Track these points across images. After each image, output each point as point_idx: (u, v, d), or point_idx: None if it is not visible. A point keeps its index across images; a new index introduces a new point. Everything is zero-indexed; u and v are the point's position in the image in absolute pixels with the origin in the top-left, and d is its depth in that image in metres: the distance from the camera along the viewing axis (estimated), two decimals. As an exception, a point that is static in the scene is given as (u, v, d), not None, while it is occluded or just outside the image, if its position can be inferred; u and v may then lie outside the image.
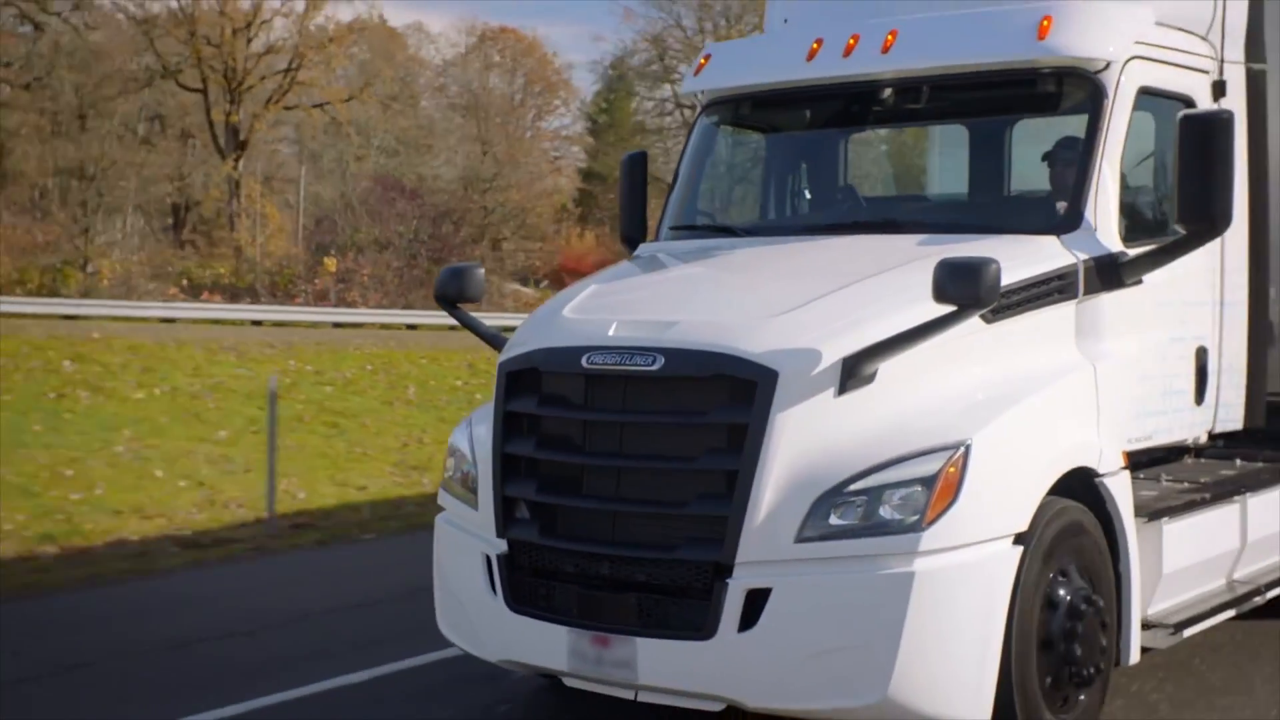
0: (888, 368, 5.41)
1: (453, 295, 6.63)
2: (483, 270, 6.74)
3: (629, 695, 5.65)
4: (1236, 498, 7.12)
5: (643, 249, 7.18)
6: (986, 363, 5.71)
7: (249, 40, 54.27)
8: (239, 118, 54.05)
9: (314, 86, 55.66)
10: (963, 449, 5.22)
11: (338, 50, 56.04)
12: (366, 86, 57.55)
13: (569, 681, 5.83)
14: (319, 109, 56.11)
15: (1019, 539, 5.36)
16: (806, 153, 7.53)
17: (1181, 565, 6.57)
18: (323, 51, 54.93)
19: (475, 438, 6.19)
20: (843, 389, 5.35)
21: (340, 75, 57.43)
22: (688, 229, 7.25)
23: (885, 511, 5.19)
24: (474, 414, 6.49)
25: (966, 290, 5.27)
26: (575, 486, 5.77)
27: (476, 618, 6.03)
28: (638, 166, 7.80)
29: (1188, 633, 6.51)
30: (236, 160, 54.15)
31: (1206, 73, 6.91)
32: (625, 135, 61.85)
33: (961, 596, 5.21)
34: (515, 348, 6.03)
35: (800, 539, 5.21)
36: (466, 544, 6.10)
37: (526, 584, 5.81)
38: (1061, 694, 5.64)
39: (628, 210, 7.69)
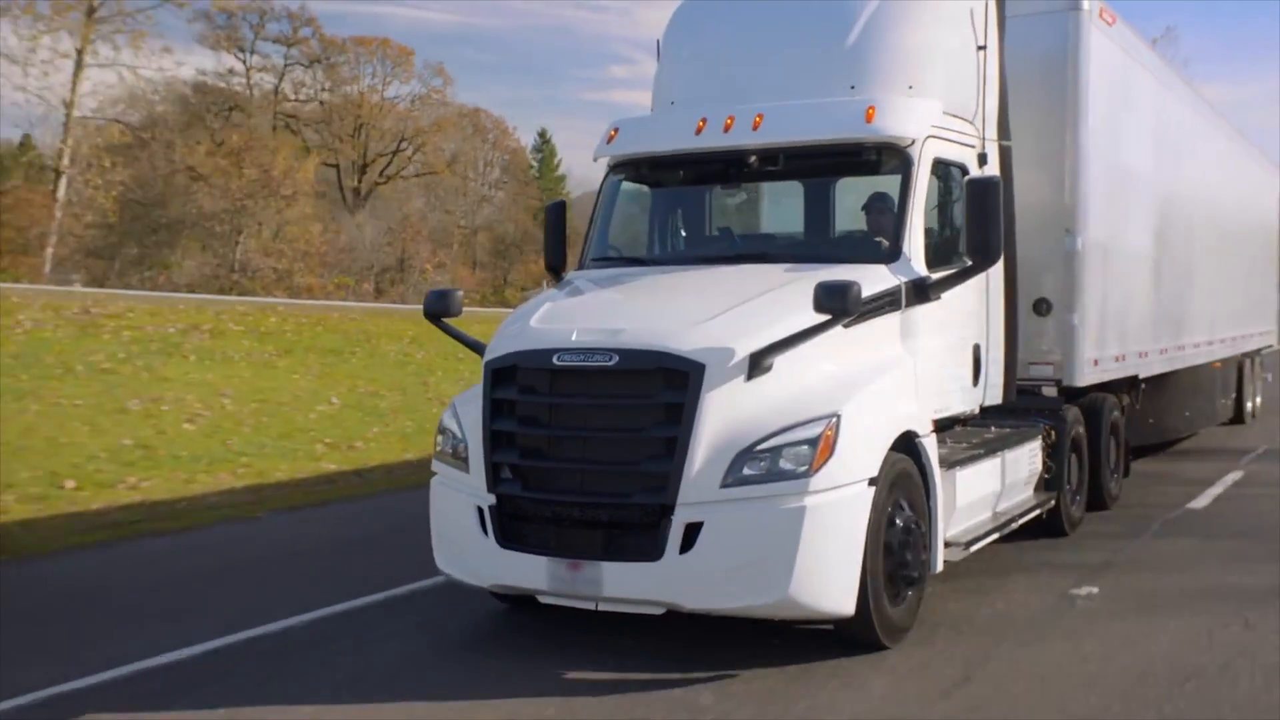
0: (781, 360, 6.04)
1: (439, 312, 7.01)
2: (461, 292, 7.17)
3: (591, 606, 6.12)
4: (999, 453, 8.04)
5: (573, 275, 7.51)
6: (846, 356, 6.33)
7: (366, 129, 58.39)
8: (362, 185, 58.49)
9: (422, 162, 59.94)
10: (836, 418, 5.88)
11: (442, 136, 59.92)
12: (455, 160, 61.75)
13: (543, 598, 6.26)
14: (420, 177, 59.96)
15: (871, 482, 6.03)
16: (693, 202, 7.97)
17: (967, 501, 7.42)
18: (433, 136, 59.13)
19: (462, 418, 6.56)
20: (750, 376, 5.96)
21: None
22: (606, 260, 7.66)
23: (783, 464, 5.80)
24: (455, 401, 6.83)
25: (838, 304, 5.98)
26: (549, 453, 6.22)
27: (471, 554, 6.41)
28: (559, 212, 8.17)
29: (973, 549, 7.33)
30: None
31: (974, 147, 7.64)
32: (551, 184, 68.68)
33: (837, 522, 5.87)
34: (496, 350, 6.42)
35: (723, 485, 5.79)
36: (460, 500, 6.45)
37: (512, 527, 6.23)
38: (896, 590, 6.33)
39: (551, 246, 8.05)
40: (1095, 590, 7.55)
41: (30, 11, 38.94)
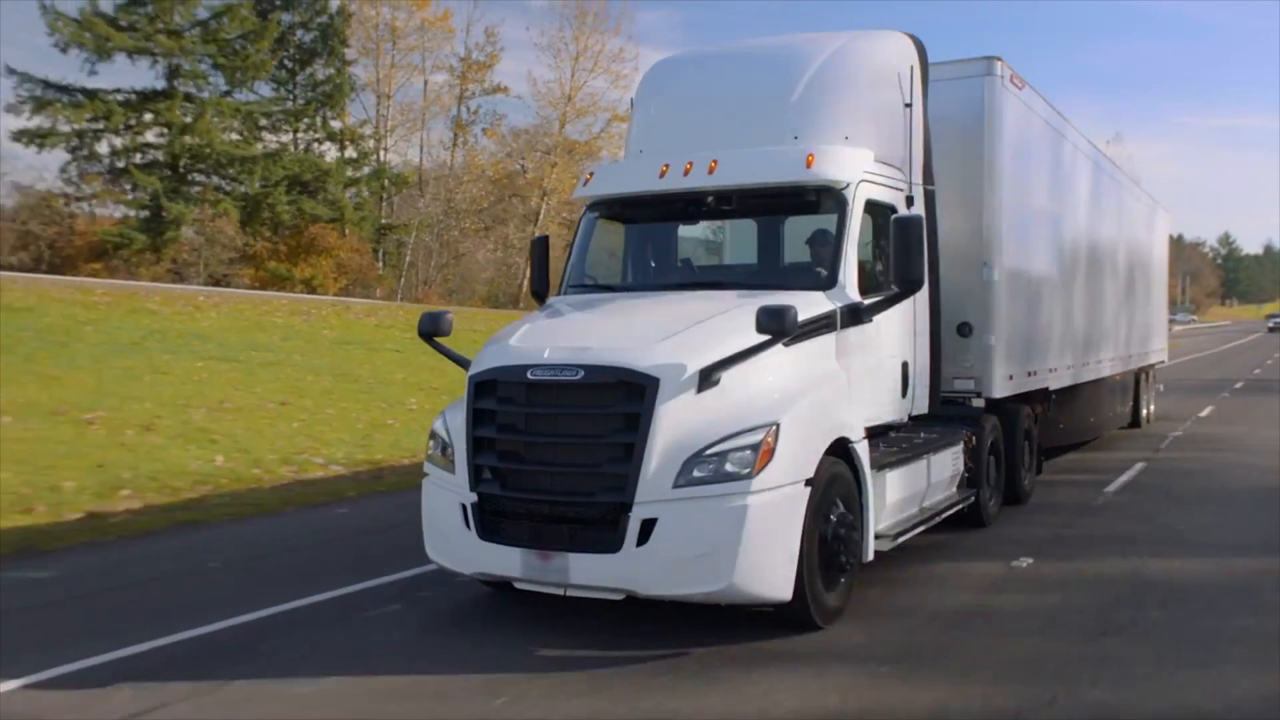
0: (728, 375, 5.67)
1: (430, 332, 6.63)
2: (450, 314, 6.77)
3: (560, 592, 5.74)
4: (924, 456, 7.63)
5: (553, 300, 7.16)
6: (786, 371, 5.96)
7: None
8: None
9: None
10: (776, 426, 5.51)
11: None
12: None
13: (518, 585, 5.87)
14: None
15: (808, 482, 5.67)
16: (657, 236, 7.59)
17: (896, 499, 7.02)
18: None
19: (450, 425, 6.18)
20: (700, 389, 5.59)
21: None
22: (581, 286, 7.29)
23: (729, 467, 5.43)
24: (445, 411, 6.42)
25: (777, 325, 5.60)
26: (524, 457, 5.83)
27: (456, 546, 6.03)
28: (542, 246, 7.76)
29: (900, 540, 6.91)
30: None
31: (902, 190, 7.28)
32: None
33: (776, 518, 5.49)
34: (479, 366, 6.05)
35: (675, 485, 5.42)
36: (447, 497, 6.08)
37: (491, 522, 5.86)
38: (830, 578, 5.96)
39: (537, 275, 7.64)
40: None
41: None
